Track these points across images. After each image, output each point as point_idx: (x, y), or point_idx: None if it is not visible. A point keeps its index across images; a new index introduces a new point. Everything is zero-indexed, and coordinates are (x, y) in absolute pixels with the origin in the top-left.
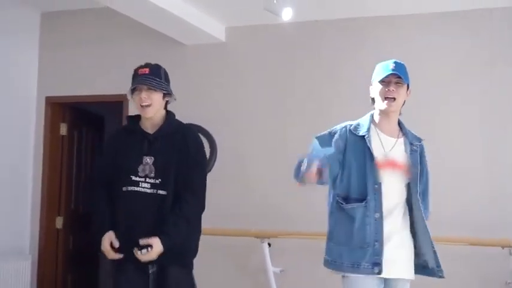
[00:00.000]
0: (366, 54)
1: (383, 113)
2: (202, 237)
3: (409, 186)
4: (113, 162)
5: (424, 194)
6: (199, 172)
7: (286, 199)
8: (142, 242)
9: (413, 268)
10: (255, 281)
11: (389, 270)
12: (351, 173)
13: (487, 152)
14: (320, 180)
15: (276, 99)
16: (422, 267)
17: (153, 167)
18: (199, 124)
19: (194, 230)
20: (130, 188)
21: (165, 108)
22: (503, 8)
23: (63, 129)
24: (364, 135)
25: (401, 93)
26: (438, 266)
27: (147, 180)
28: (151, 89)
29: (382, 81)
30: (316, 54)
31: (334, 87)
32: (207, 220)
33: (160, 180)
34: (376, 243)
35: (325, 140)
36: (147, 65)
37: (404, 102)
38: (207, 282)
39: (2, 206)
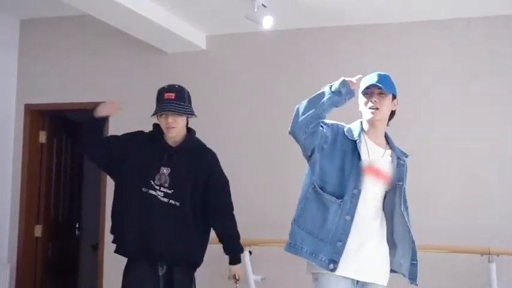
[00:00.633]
0: (348, 62)
1: (369, 123)
2: None
3: (392, 198)
4: (122, 152)
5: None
6: (227, 192)
7: (268, 207)
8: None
9: (387, 274)
10: None
11: (362, 274)
12: (331, 169)
13: (466, 160)
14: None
15: (257, 107)
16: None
17: (168, 178)
18: None
19: (207, 240)
20: (150, 191)
21: (186, 125)
22: (480, 17)
23: (43, 137)
24: (355, 140)
25: (384, 103)
26: (413, 278)
27: (162, 189)
28: (177, 114)
29: (365, 93)
30: (297, 63)
31: None
32: None
33: (173, 191)
34: (339, 242)
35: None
36: (172, 89)
37: (393, 114)
38: None
39: None
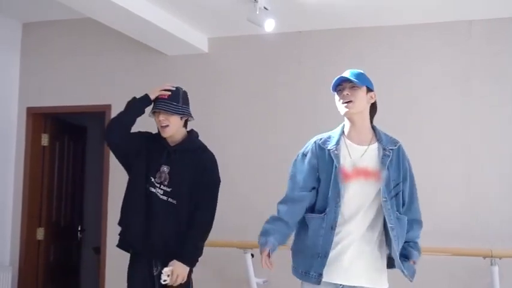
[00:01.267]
0: (348, 64)
1: (348, 119)
2: None
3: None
4: (137, 146)
5: (411, 198)
6: (215, 192)
7: (270, 209)
8: (165, 270)
9: (378, 276)
10: None
11: (346, 277)
12: (320, 186)
13: (468, 162)
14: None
15: (259, 109)
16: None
17: (167, 176)
18: None
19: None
20: (151, 189)
21: (186, 126)
22: (482, 20)
23: (45, 140)
24: (330, 149)
25: (358, 96)
26: (405, 273)
27: (162, 187)
28: (168, 113)
29: (337, 91)
30: (298, 65)
31: (316, 97)
32: None
33: (171, 189)
34: (326, 253)
35: (300, 166)
36: (167, 90)
37: (375, 108)
38: None
39: None
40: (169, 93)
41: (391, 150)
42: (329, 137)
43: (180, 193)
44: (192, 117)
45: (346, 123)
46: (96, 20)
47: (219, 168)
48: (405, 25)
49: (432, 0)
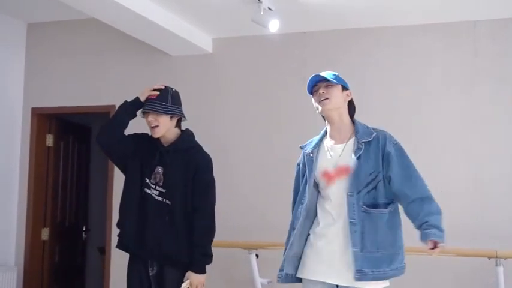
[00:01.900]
0: (354, 65)
1: (326, 118)
2: None
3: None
4: (131, 148)
5: (404, 177)
6: (209, 193)
7: (274, 210)
8: (184, 286)
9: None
10: None
11: (324, 275)
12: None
13: (473, 163)
14: None
15: (263, 110)
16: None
17: (162, 177)
18: None
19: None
20: (146, 190)
21: (179, 126)
22: (487, 20)
23: (49, 141)
24: (306, 153)
25: (333, 93)
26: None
27: (157, 188)
28: (157, 113)
29: (314, 91)
30: (302, 66)
31: None
32: None
33: (166, 190)
34: (297, 255)
35: (295, 180)
36: (156, 91)
37: (353, 106)
38: None
39: None
40: (158, 93)
41: (363, 143)
42: (310, 141)
43: (174, 193)
44: (184, 116)
45: (327, 123)
46: (100, 20)
47: (222, 168)
48: (409, 26)
49: (436, 0)
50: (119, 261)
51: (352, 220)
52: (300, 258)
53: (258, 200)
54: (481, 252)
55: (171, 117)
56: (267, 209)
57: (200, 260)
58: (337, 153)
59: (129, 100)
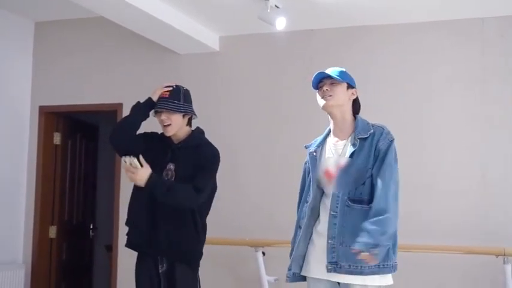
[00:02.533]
0: (360, 63)
1: (329, 115)
2: None
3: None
4: (143, 147)
5: (384, 188)
6: (205, 174)
7: (280, 208)
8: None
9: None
10: None
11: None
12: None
13: (481, 160)
14: None
15: (270, 107)
16: None
17: (174, 173)
18: None
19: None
20: None
21: (190, 124)
22: (495, 17)
23: (57, 139)
24: (310, 152)
25: (337, 91)
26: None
27: None
28: (170, 111)
29: (318, 89)
30: (309, 64)
31: None
32: None
33: None
34: (302, 254)
35: (302, 179)
36: (168, 89)
37: (358, 105)
38: None
39: None
40: (170, 89)
41: (359, 139)
42: (315, 141)
43: None
44: (195, 115)
45: (330, 121)
46: (107, 18)
47: (229, 164)
48: (417, 23)
49: None
50: (126, 259)
51: (333, 213)
52: (305, 256)
53: (264, 198)
54: (489, 250)
55: (183, 116)
56: (274, 207)
57: (161, 183)
58: (338, 151)
59: (139, 100)
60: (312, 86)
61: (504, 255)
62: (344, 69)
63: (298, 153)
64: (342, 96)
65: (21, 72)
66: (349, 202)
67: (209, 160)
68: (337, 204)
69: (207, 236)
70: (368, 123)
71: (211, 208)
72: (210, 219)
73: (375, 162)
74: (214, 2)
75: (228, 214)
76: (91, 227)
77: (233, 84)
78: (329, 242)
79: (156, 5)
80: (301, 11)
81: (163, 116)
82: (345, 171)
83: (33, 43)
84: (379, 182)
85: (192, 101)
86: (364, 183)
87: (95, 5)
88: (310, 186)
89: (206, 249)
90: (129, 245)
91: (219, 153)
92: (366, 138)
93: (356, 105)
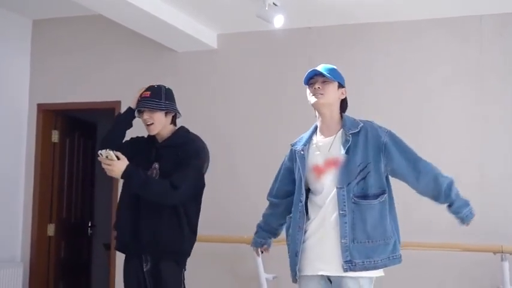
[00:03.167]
0: (359, 60)
1: (317, 111)
2: (195, 243)
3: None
4: (129, 155)
5: (414, 161)
6: (189, 173)
7: None
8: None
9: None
10: None
11: (327, 268)
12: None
13: (478, 158)
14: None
15: (268, 106)
16: None
17: (158, 172)
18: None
19: (190, 233)
20: None
21: (174, 123)
22: (493, 14)
23: (55, 137)
24: (296, 150)
25: (328, 90)
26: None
27: None
28: (152, 110)
29: (309, 85)
30: (308, 61)
31: None
32: (199, 227)
33: None
34: (297, 253)
35: (277, 173)
36: (148, 88)
37: (346, 104)
38: None
39: None
40: (150, 91)
41: (351, 135)
42: (301, 138)
43: None
44: (178, 113)
45: (317, 118)
46: (105, 16)
47: (227, 160)
48: (416, 20)
49: None
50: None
51: (342, 212)
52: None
53: (263, 196)
54: (487, 247)
55: (165, 114)
56: None
57: (137, 175)
58: (326, 147)
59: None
60: (304, 81)
61: (502, 252)
62: (335, 67)
63: None
64: (333, 95)
65: (19, 70)
66: (355, 199)
67: (190, 156)
68: (344, 202)
69: (206, 234)
70: (355, 119)
71: (210, 206)
72: (208, 217)
73: (386, 157)
74: (212, 0)
75: (226, 212)
76: (89, 225)
77: (231, 82)
78: (342, 241)
79: (155, 3)
80: (299, 9)
81: (146, 115)
82: (345, 167)
83: (31, 41)
84: (409, 159)
85: (175, 99)
86: (364, 179)
87: (94, 3)
88: (300, 184)
89: (205, 247)
90: (117, 247)
91: (204, 150)
92: (358, 132)
93: (344, 104)
